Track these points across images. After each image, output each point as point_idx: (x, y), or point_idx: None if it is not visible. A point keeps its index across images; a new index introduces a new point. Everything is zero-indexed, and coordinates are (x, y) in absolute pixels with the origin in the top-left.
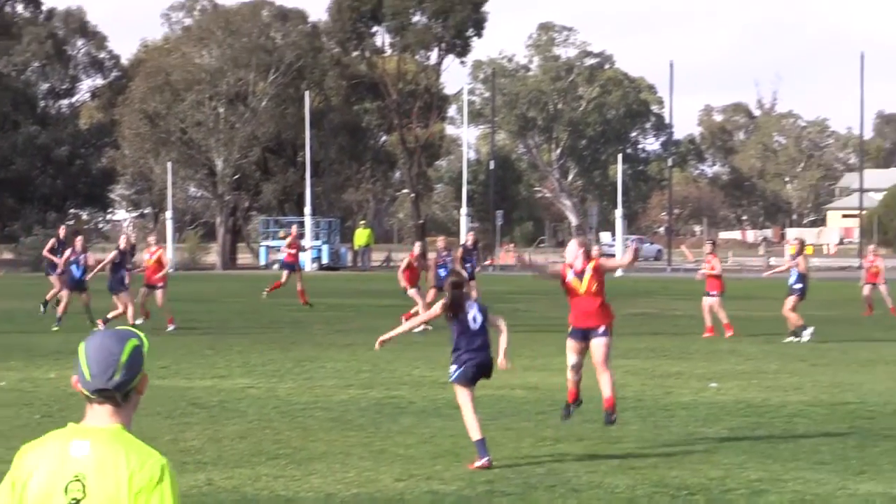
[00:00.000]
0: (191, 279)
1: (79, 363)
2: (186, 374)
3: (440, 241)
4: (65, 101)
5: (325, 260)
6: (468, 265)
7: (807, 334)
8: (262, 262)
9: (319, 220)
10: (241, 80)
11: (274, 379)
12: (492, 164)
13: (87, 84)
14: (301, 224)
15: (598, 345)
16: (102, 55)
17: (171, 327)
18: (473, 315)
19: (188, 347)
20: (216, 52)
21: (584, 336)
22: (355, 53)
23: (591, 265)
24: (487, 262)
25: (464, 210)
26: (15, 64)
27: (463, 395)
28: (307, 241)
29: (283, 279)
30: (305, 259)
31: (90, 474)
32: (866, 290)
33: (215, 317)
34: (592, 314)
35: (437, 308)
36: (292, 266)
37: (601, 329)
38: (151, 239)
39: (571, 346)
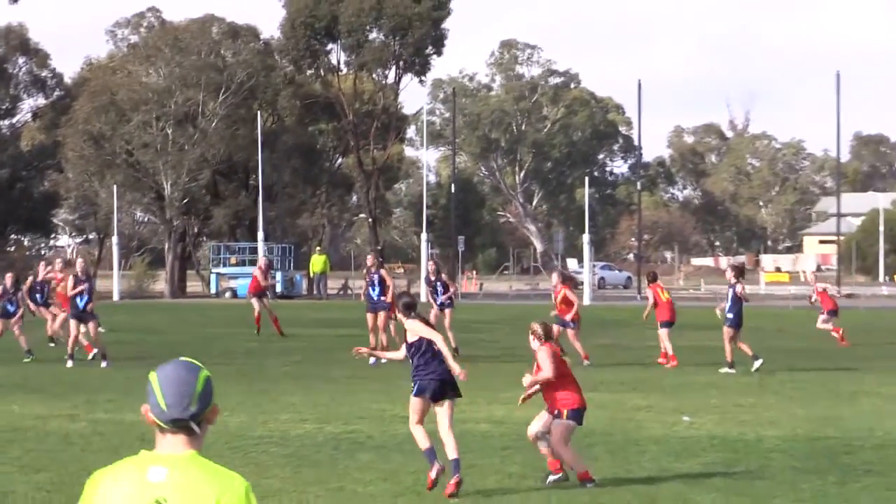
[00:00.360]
0: (138, 308)
1: (152, 393)
2: (134, 408)
3: (369, 258)
4: (5, 122)
5: (279, 288)
6: (438, 296)
7: (724, 370)
8: (213, 290)
9: (273, 246)
10: (190, 100)
11: (225, 412)
12: (453, 188)
13: (29, 104)
14: (254, 250)
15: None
16: (45, 74)
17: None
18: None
19: (136, 380)
20: (164, 71)
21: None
22: (310, 72)
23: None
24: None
25: (424, 236)
26: None
27: (414, 407)
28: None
29: (268, 308)
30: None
31: (171, 498)
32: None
33: (164, 348)
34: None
35: (418, 326)
36: (262, 294)
37: (555, 412)
38: (58, 263)
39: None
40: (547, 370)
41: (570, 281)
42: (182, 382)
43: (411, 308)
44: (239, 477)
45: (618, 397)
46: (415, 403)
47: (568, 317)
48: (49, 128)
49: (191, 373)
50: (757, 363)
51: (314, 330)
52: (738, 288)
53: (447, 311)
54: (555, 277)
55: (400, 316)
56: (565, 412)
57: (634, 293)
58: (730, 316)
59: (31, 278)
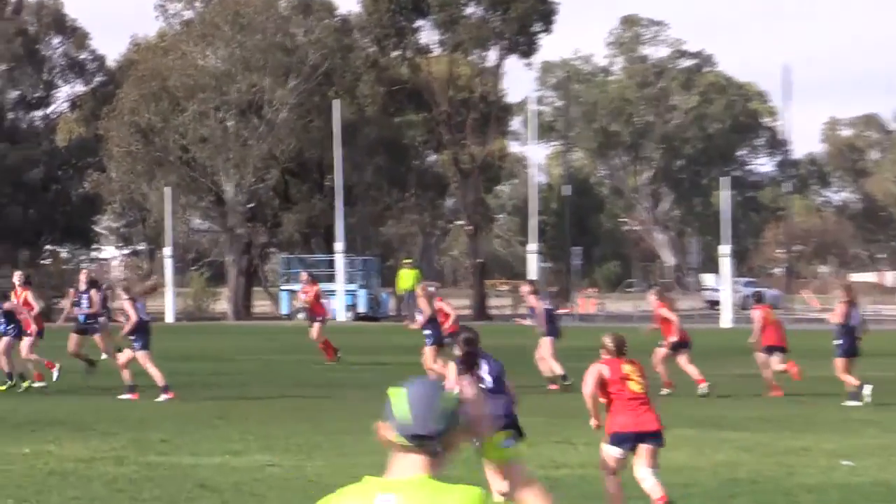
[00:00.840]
0: (196, 331)
1: (393, 407)
2: (192, 449)
3: (418, 288)
4: (38, 113)
5: (361, 308)
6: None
7: (866, 394)
8: (284, 310)
9: (354, 259)
10: (254, 87)
11: (300, 455)
12: (566, 190)
13: (66, 91)
14: (331, 263)
15: None
16: (84, 56)
17: (39, 383)
18: (486, 372)
19: (193, 416)
20: (223, 52)
21: None
22: (395, 53)
23: None
24: (564, 311)
25: (531, 246)
26: None
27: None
28: (339, 285)
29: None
30: (337, 307)
31: None
32: None
33: (226, 378)
34: None
35: (451, 371)
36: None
37: None
38: (17, 277)
39: None
40: (585, 386)
41: (668, 300)
42: (429, 398)
43: (469, 344)
44: (471, 489)
45: (764, 438)
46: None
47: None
48: (89, 119)
49: (439, 390)
50: (854, 402)
51: (403, 357)
52: (839, 309)
53: (547, 339)
54: (652, 297)
55: (455, 350)
56: (607, 437)
57: (785, 314)
58: (839, 342)
59: (72, 291)
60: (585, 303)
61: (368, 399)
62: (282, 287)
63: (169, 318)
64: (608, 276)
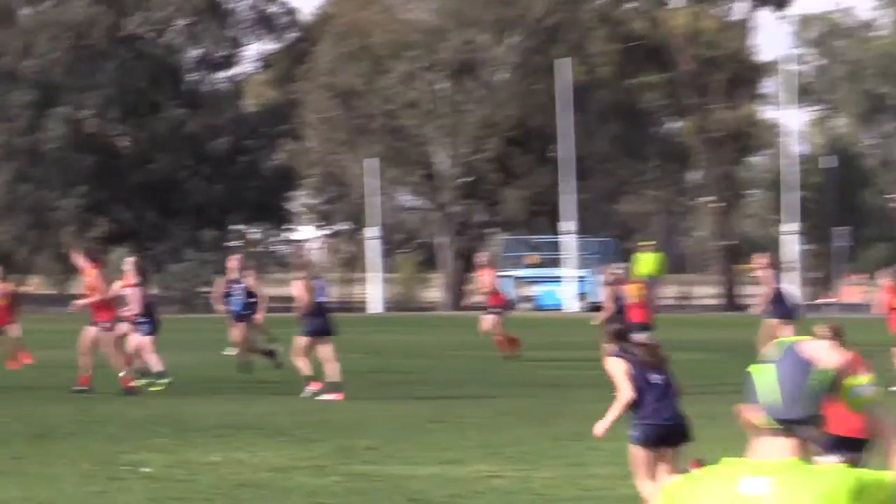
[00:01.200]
0: (406, 323)
1: (759, 388)
2: (404, 457)
3: (606, 273)
4: (222, 74)
5: (593, 296)
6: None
7: None
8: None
9: (585, 241)
10: (469, 44)
11: (525, 465)
12: (828, 161)
13: (254, 50)
14: (557, 246)
15: None
16: (274, 9)
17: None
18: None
19: (404, 420)
20: (433, 5)
21: None
22: (630, 5)
23: None
24: (826, 300)
25: (789, 226)
26: (153, 23)
27: (639, 460)
28: (568, 270)
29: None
30: (566, 296)
31: None
32: None
33: (441, 377)
34: None
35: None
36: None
37: None
38: (130, 264)
39: None
40: None
41: None
42: (800, 376)
43: (619, 338)
44: (846, 471)
45: None
46: (640, 455)
47: None
48: (281, 81)
49: (808, 366)
50: None
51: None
52: None
53: (771, 321)
54: (885, 281)
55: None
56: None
57: None
58: None
59: (222, 281)
60: (850, 291)
61: (601, 400)
62: (503, 273)
63: (376, 307)
64: (878, 260)
